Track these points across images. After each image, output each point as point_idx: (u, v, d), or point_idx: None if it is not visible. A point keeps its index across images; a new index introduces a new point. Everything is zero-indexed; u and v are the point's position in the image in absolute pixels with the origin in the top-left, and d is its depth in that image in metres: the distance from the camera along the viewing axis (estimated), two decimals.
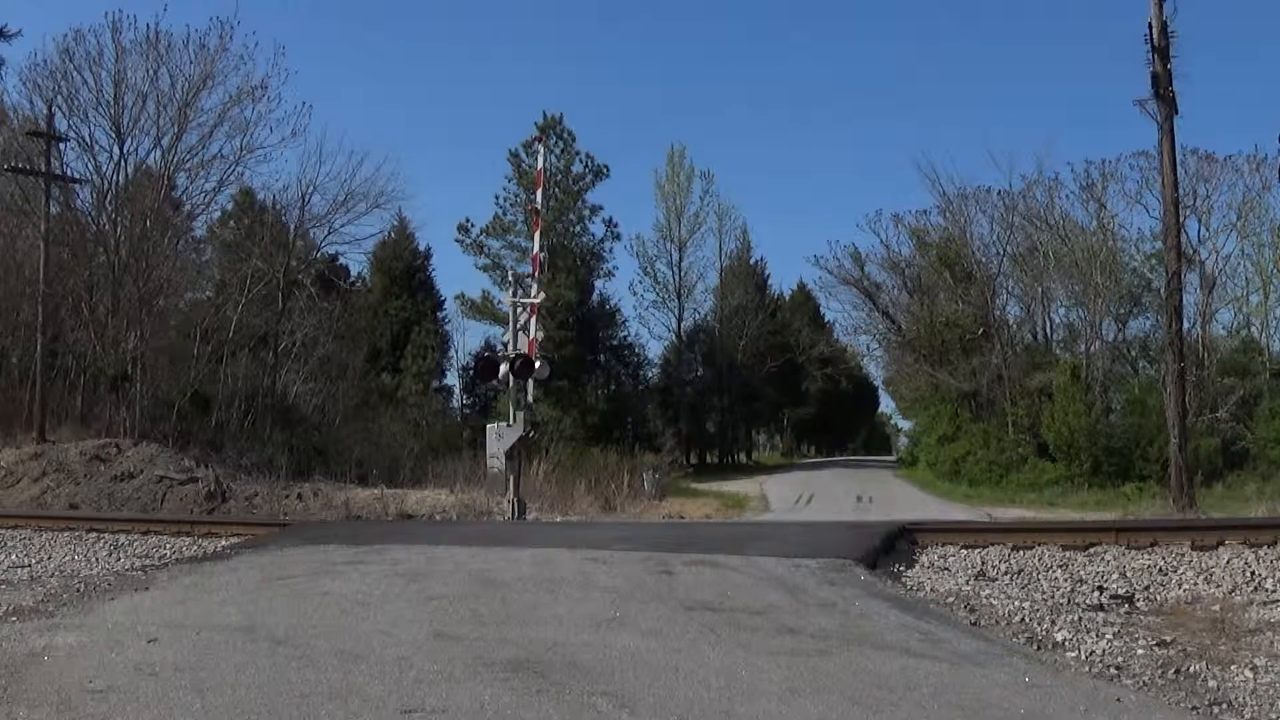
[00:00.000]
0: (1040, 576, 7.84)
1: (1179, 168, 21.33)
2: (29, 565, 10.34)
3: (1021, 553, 8.57)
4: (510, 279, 16.09)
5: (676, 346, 57.51)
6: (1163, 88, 17.45)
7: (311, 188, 34.73)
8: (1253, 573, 7.36)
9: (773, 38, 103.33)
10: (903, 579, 7.70)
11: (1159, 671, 5.05)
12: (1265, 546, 7.89)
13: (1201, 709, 4.47)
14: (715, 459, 59.70)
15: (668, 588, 6.88)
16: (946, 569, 8.20)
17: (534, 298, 15.67)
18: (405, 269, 48.95)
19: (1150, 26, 17.30)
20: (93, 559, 10.67)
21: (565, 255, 45.34)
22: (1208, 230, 38.82)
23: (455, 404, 50.99)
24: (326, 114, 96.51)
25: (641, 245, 56.05)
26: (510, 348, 15.32)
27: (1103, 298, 38.28)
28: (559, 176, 46.42)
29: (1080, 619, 6.26)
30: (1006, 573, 8.00)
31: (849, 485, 39.10)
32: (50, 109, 26.50)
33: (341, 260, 42.68)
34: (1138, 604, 6.86)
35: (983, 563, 8.37)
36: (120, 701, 4.58)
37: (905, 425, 64.29)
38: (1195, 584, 7.32)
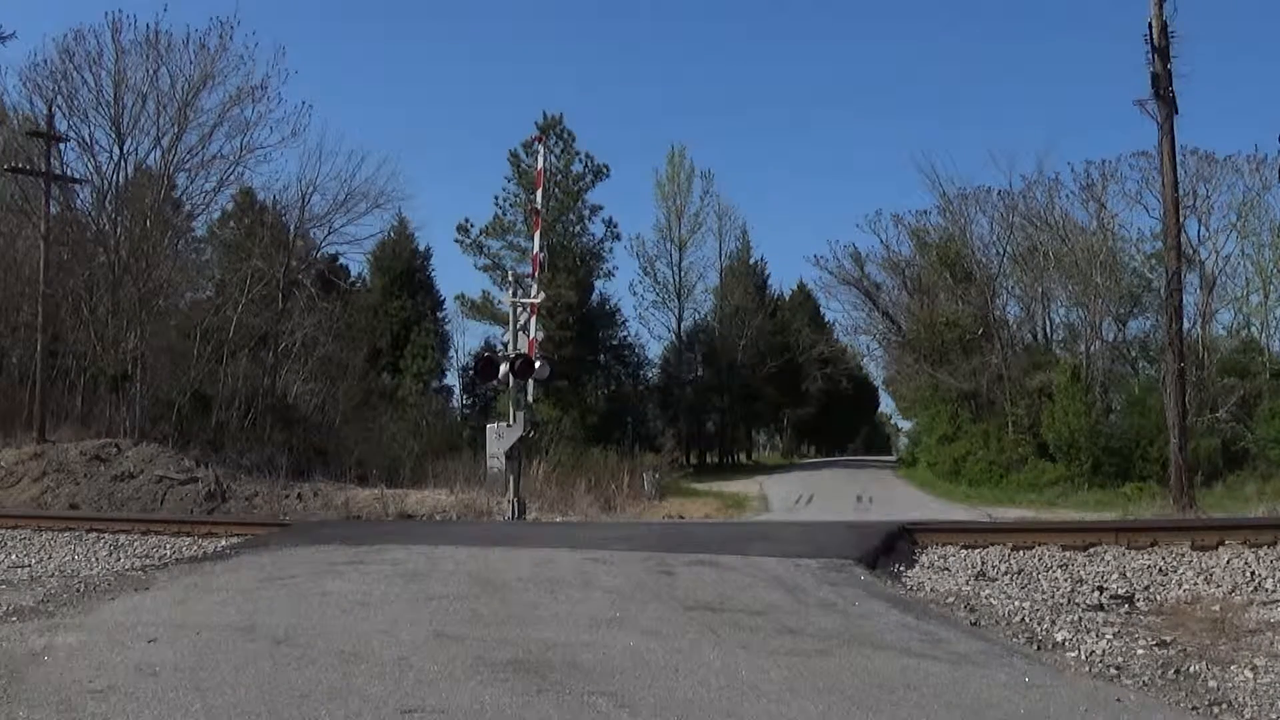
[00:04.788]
0: (1040, 576, 7.84)
1: (1179, 168, 21.31)
2: (29, 565, 10.35)
3: (1021, 553, 8.58)
4: (510, 279, 16.08)
5: (676, 346, 57.50)
6: (1163, 88, 17.44)
7: (311, 188, 34.79)
8: (1253, 573, 7.36)
9: (773, 38, 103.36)
10: (903, 579, 7.70)
11: (1159, 671, 5.05)
12: (1265, 546, 7.89)
13: (1201, 709, 4.47)
14: (715, 459, 59.63)
15: (668, 588, 6.88)
16: (946, 569, 8.20)
17: (534, 298, 15.66)
18: (405, 269, 48.94)
19: (1150, 26, 17.29)
20: (93, 559, 10.68)
21: (565, 255, 45.32)
22: (1208, 230, 38.79)
23: (455, 404, 51.04)
24: (326, 114, 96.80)
25: (641, 245, 56.19)
26: (510, 348, 15.31)
27: (1103, 298, 38.23)
28: (559, 176, 46.41)
29: (1080, 619, 6.26)
30: (1006, 573, 8.00)
31: (849, 485, 39.02)
32: (50, 109, 26.51)
33: (341, 260, 42.78)
34: (1138, 604, 6.86)
35: (983, 563, 8.37)
36: (120, 702, 4.57)
37: (905, 425, 64.14)
38: (1195, 584, 7.32)
